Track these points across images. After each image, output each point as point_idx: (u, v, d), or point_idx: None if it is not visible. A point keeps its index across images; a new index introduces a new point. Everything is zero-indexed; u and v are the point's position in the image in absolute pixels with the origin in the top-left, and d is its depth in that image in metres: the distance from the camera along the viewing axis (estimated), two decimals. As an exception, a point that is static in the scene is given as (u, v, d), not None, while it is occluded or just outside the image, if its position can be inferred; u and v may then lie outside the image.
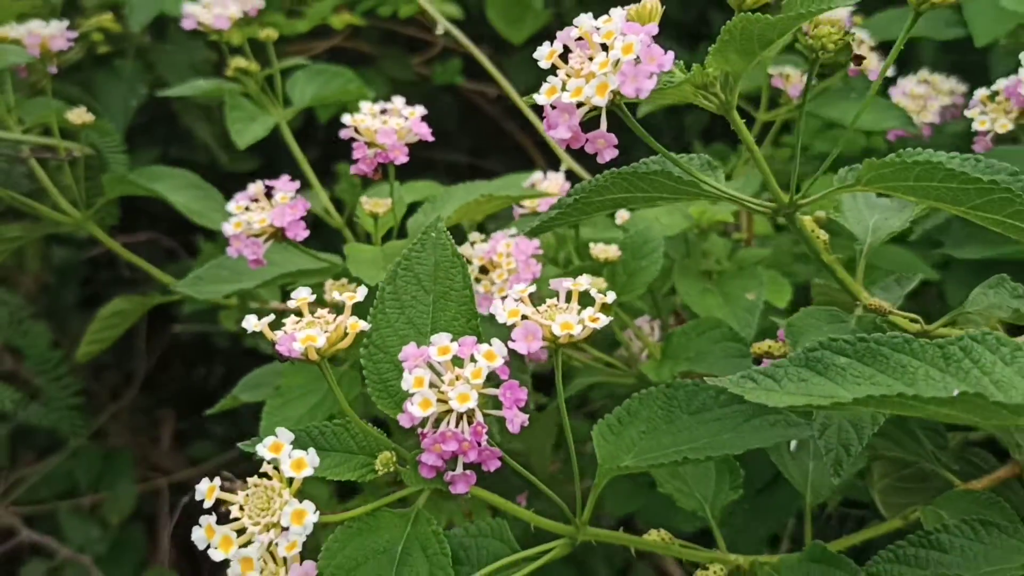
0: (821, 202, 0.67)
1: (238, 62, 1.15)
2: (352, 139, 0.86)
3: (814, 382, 0.51)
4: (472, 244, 0.91)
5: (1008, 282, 0.68)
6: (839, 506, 0.91)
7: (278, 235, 0.84)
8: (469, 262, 0.90)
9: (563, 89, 0.56)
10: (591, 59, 0.57)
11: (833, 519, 1.02)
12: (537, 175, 1.05)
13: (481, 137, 2.10)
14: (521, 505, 1.06)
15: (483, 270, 0.89)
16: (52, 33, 1.08)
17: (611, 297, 0.62)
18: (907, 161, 0.59)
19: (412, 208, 1.01)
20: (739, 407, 0.69)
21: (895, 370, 0.51)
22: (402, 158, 0.84)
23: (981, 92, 0.99)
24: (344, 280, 0.90)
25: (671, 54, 0.55)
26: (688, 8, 1.92)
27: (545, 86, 0.57)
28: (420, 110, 0.88)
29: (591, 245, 0.91)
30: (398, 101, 0.89)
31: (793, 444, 0.80)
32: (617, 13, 0.57)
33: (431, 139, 0.87)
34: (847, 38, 0.57)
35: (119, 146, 1.40)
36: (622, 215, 0.99)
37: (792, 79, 1.21)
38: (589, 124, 0.58)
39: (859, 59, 0.63)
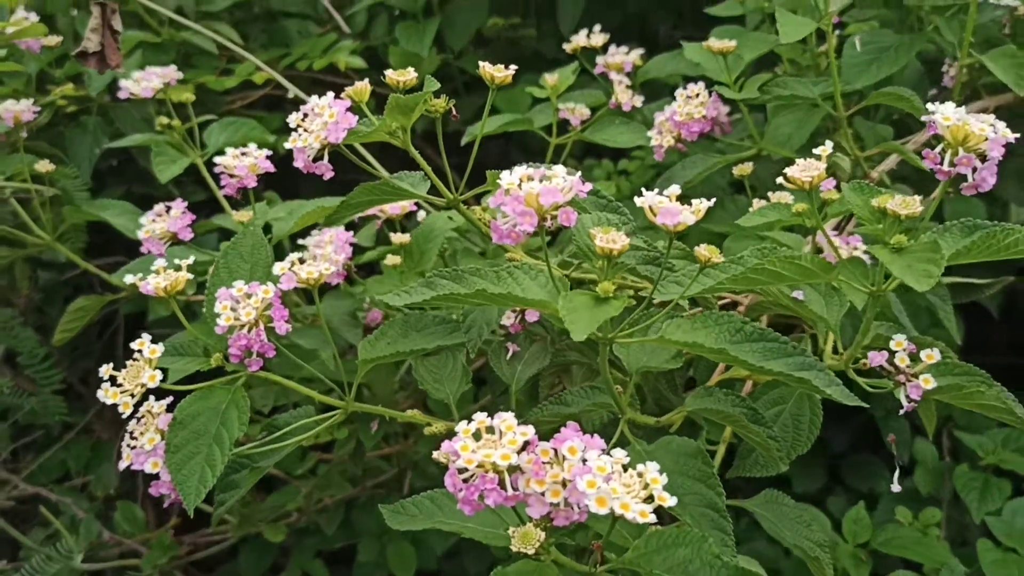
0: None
1: (162, 120, 1.63)
2: (221, 173, 1.35)
3: (427, 292, 0.98)
4: (311, 235, 1.40)
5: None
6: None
7: (174, 237, 1.33)
8: (306, 248, 1.39)
9: (299, 138, 1.04)
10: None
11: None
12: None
13: (406, 163, 2.59)
14: (372, 429, 1.55)
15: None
16: (21, 109, 1.57)
17: (343, 256, 1.10)
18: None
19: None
20: (447, 326, 1.18)
21: (469, 284, 0.98)
22: (252, 183, 1.33)
23: (659, 118, 1.47)
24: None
25: (355, 118, 1.04)
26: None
27: (291, 138, 1.05)
28: (265, 152, 1.36)
29: (391, 234, 1.39)
30: (252, 147, 1.37)
31: (509, 354, 1.27)
32: (329, 96, 1.05)
33: (273, 170, 1.35)
34: (449, 105, 1.05)
35: (84, 186, 1.89)
36: (421, 215, 1.48)
37: (576, 111, 1.69)
38: (318, 158, 1.06)
39: (455, 117, 1.10)
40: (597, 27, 1.75)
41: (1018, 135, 0.95)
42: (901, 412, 1.01)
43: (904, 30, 1.54)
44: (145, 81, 1.62)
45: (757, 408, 1.06)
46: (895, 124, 1.75)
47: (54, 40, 1.77)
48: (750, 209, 1.29)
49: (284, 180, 1.66)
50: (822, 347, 1.21)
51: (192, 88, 2.00)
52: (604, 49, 1.75)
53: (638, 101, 1.63)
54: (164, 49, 2.16)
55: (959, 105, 1.53)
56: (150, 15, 2.14)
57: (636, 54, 1.76)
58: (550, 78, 1.65)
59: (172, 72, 1.67)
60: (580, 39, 1.75)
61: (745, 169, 1.41)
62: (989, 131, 0.90)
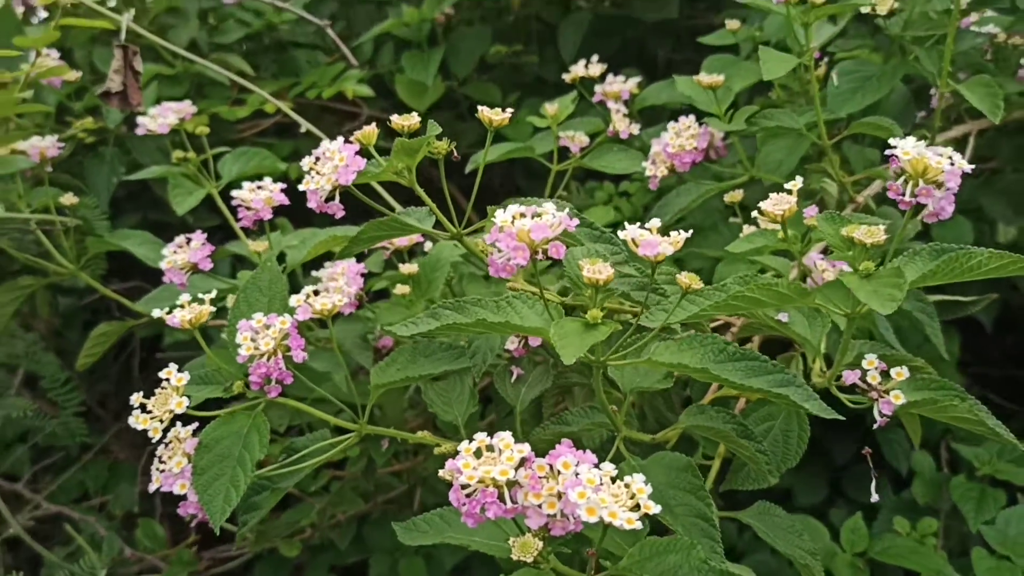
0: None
1: (178, 153, 1.72)
2: (238, 206, 1.45)
3: (432, 323, 1.07)
4: (323, 266, 1.50)
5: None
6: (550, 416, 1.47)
7: (194, 268, 1.42)
8: (319, 279, 1.48)
9: (312, 181, 1.14)
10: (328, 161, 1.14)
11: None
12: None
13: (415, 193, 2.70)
14: (383, 447, 1.64)
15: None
16: (47, 145, 1.68)
17: (354, 288, 1.20)
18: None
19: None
20: (453, 352, 1.27)
21: (471, 314, 1.07)
22: (268, 216, 1.42)
23: (654, 149, 1.56)
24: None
25: (364, 161, 1.13)
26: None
27: (304, 180, 1.15)
28: (280, 186, 1.45)
29: (400, 265, 1.49)
30: (267, 181, 1.47)
31: (513, 377, 1.36)
32: (339, 141, 1.15)
33: (287, 203, 1.44)
34: (450, 147, 1.15)
35: (103, 215, 1.99)
36: (428, 245, 1.57)
37: (576, 139, 1.78)
38: (330, 198, 1.15)
39: (456, 158, 1.19)
40: (595, 57, 1.85)
41: (967, 165, 1.03)
42: (875, 426, 1.09)
43: (890, 58, 1.63)
44: (161, 117, 1.72)
45: (747, 424, 1.14)
46: (883, 147, 1.84)
47: (74, 75, 1.87)
48: (740, 235, 1.38)
49: (296, 206, 1.76)
50: (811, 365, 1.29)
51: (206, 119, 2.09)
52: (602, 78, 1.84)
53: (635, 129, 1.72)
54: (178, 80, 2.26)
55: (942, 130, 1.63)
56: (164, 48, 2.24)
57: (633, 82, 1.85)
58: (550, 108, 1.74)
59: (187, 107, 1.77)
60: (579, 69, 1.84)
61: (735, 196, 1.50)
62: (946, 164, 0.99)
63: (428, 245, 1.58)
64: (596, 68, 1.83)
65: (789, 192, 1.04)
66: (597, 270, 0.94)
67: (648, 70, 2.52)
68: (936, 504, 2.06)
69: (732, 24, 1.81)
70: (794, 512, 1.94)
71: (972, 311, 1.59)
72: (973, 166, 1.03)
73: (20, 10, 2.02)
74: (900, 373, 1.08)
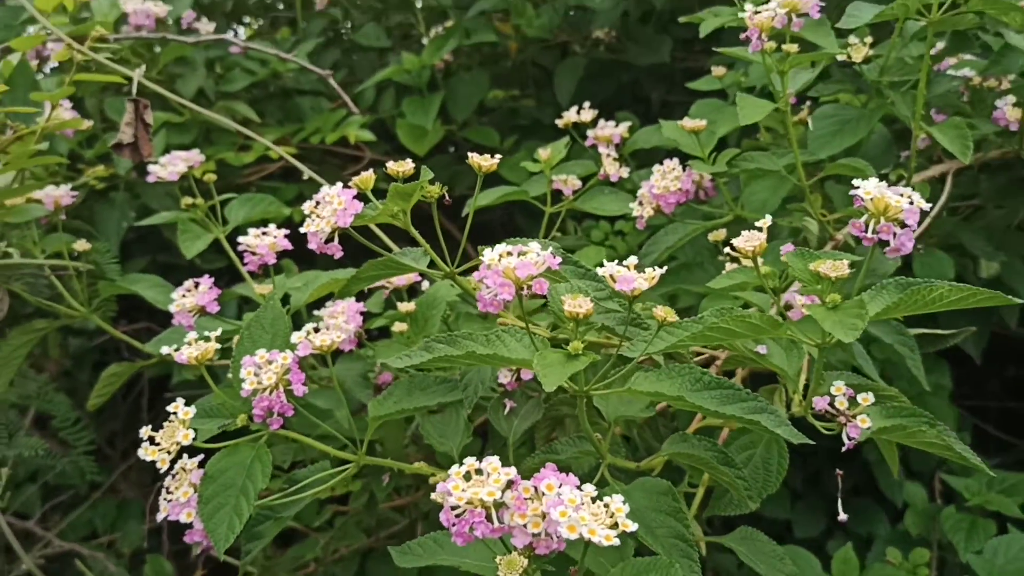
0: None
1: (187, 200, 1.81)
2: (244, 251, 1.53)
3: (425, 355, 1.14)
4: (324, 306, 1.57)
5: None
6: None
7: (202, 310, 1.50)
8: (321, 318, 1.55)
9: (312, 224, 1.21)
10: (329, 205, 1.22)
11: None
12: (380, 261, 1.71)
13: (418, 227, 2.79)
14: (384, 482, 1.70)
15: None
16: (61, 194, 1.76)
17: (354, 325, 1.27)
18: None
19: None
20: (447, 385, 1.34)
21: (462, 347, 1.14)
22: (272, 260, 1.50)
23: (641, 190, 1.64)
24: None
25: (361, 205, 1.21)
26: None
27: (305, 223, 1.22)
28: (283, 232, 1.53)
29: (398, 303, 1.56)
30: (271, 227, 1.55)
31: (506, 410, 1.43)
32: (338, 186, 1.23)
33: (290, 247, 1.52)
34: (442, 191, 1.22)
35: (114, 259, 2.07)
36: (426, 284, 1.64)
37: (568, 182, 1.86)
38: (329, 240, 1.23)
39: (448, 202, 1.26)
40: (587, 104, 1.93)
41: (925, 204, 1.10)
42: (844, 449, 1.16)
43: (868, 102, 1.71)
44: (171, 165, 1.81)
45: (728, 452, 1.21)
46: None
47: (85, 124, 1.96)
48: (723, 271, 1.45)
49: (300, 247, 1.84)
50: (791, 395, 1.35)
51: (213, 166, 2.18)
52: (594, 123, 1.92)
53: (625, 172, 1.80)
54: (186, 128, 2.36)
55: (920, 169, 1.70)
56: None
57: (624, 127, 1.93)
58: (543, 152, 1.83)
59: (196, 156, 1.86)
60: (571, 115, 1.93)
61: (719, 235, 1.57)
62: (905, 203, 1.06)
63: (426, 284, 1.65)
64: (588, 114, 1.92)
65: (760, 229, 1.11)
66: (578, 304, 1.01)
67: (643, 111, 2.61)
68: (930, 535, 2.11)
69: (718, 71, 1.90)
70: (794, 544, 2.00)
71: (951, 344, 1.65)
72: (931, 204, 1.10)
73: (35, 62, 2.11)
74: (866, 399, 1.14)
